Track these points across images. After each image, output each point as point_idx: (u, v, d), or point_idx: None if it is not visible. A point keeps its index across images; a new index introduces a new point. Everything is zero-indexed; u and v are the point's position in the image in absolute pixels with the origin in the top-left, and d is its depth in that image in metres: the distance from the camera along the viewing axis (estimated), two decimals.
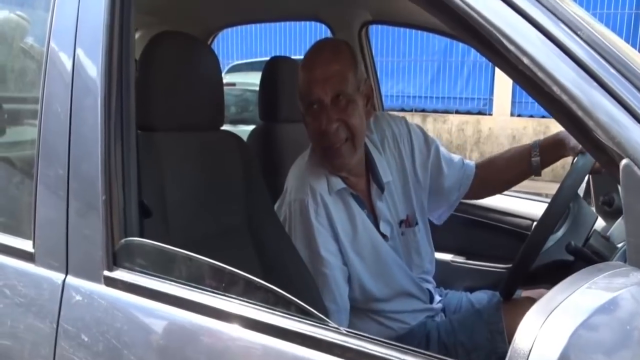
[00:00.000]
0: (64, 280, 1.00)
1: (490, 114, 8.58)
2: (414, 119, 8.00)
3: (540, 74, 0.66)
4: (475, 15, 0.68)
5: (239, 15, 2.35)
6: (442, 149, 1.68)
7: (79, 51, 0.99)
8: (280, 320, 0.81)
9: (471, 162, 1.71)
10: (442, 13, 0.72)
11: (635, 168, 0.62)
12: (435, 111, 8.76)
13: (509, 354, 0.56)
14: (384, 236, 1.51)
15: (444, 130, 8.57)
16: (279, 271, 1.38)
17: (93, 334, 0.96)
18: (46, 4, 1.04)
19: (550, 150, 1.55)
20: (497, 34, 0.67)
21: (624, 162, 0.63)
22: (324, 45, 1.49)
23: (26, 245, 1.04)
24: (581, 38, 0.68)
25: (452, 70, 8.72)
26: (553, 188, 1.60)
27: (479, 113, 8.66)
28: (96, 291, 0.97)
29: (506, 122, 8.41)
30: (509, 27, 0.68)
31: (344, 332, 0.78)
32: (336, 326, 0.79)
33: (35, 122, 1.03)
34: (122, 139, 0.97)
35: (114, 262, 0.97)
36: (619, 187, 1.61)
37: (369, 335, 0.76)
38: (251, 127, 2.10)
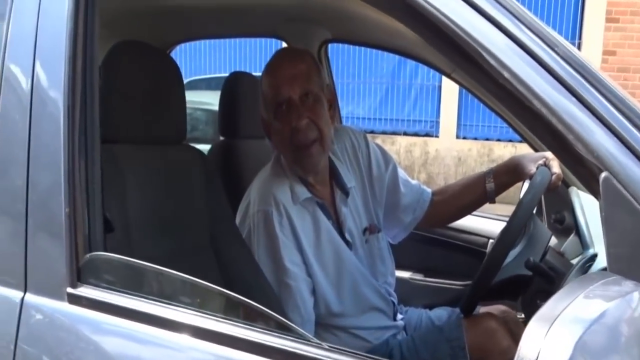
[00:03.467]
0: (22, 299, 0.94)
1: (437, 136, 8.78)
2: None
3: (520, 88, 0.67)
4: (458, 31, 0.70)
5: (197, 30, 2.33)
6: (400, 170, 1.70)
7: (39, 57, 0.95)
8: (260, 336, 0.79)
9: (427, 189, 1.73)
10: (424, 28, 0.73)
11: (614, 181, 0.64)
12: (384, 133, 8.89)
13: None
14: (348, 243, 1.51)
15: (393, 152, 8.69)
16: (243, 290, 1.35)
17: (55, 355, 0.91)
18: (2, 10, 0.99)
19: (503, 176, 1.59)
20: (479, 49, 0.69)
21: (603, 175, 0.65)
22: (287, 49, 1.53)
23: None
24: (558, 54, 0.70)
25: (400, 93, 8.90)
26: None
27: (427, 135, 8.85)
28: (58, 309, 0.92)
29: (452, 144, 8.63)
30: (490, 43, 0.70)
31: (326, 347, 0.77)
32: (318, 342, 0.77)
33: None
34: (86, 150, 0.93)
35: (78, 278, 0.92)
36: (572, 208, 1.66)
37: (352, 351, 0.76)
38: (201, 146, 2.07)
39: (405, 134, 8.89)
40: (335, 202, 1.53)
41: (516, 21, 0.72)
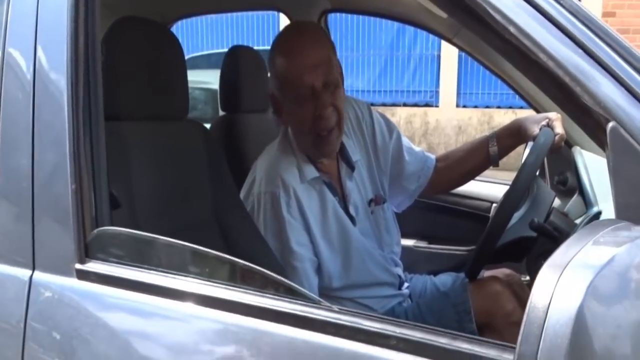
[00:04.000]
0: (31, 277, 0.94)
1: (437, 106, 8.75)
2: None
3: (526, 42, 0.67)
4: None
5: (197, 6, 2.30)
6: (404, 138, 1.69)
7: (40, 36, 0.94)
8: (270, 302, 0.79)
9: (431, 155, 1.72)
10: None
11: (622, 130, 0.64)
12: (383, 104, 8.86)
13: (527, 309, 0.57)
14: (352, 218, 1.51)
15: None
16: (247, 259, 1.36)
17: (65, 331, 0.91)
18: None
19: (506, 139, 1.58)
20: (483, 4, 0.68)
21: (610, 125, 0.65)
22: (304, 30, 1.46)
23: None
24: (564, 7, 0.69)
25: (399, 64, 8.85)
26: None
27: (426, 105, 8.82)
28: (67, 286, 0.92)
29: (452, 114, 8.60)
30: None
31: (337, 309, 0.77)
32: (328, 305, 0.78)
33: None
34: (90, 127, 0.93)
35: (86, 253, 0.92)
36: (575, 169, 1.65)
37: (362, 312, 0.76)
38: None
39: (405, 105, 8.86)
40: (340, 176, 1.53)
41: None
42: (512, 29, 0.67)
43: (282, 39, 1.44)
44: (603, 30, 0.68)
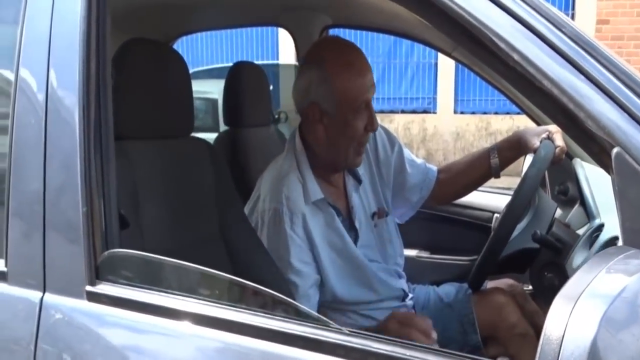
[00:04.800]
0: (42, 299, 0.95)
1: (434, 112, 8.78)
2: None
3: (530, 69, 0.68)
4: (466, 15, 0.70)
5: (199, 22, 2.32)
6: (406, 150, 1.70)
7: (53, 60, 0.95)
8: (280, 324, 0.80)
9: (433, 167, 1.74)
10: (431, 15, 0.73)
11: (626, 156, 0.65)
12: (381, 111, 8.89)
13: (541, 340, 0.58)
14: (356, 232, 1.53)
15: (391, 130, 8.68)
16: (254, 280, 1.36)
17: (76, 353, 0.92)
18: (16, 13, 0.99)
19: (507, 151, 1.59)
20: (487, 33, 0.70)
21: (615, 150, 0.66)
22: (356, 48, 1.48)
23: None
24: (565, 34, 0.71)
25: (396, 72, 8.89)
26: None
27: (424, 112, 8.85)
28: (78, 308, 0.93)
29: (450, 120, 8.63)
30: (498, 26, 0.71)
31: (347, 332, 0.78)
32: (338, 327, 0.79)
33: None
34: (100, 149, 0.94)
35: (97, 275, 0.93)
36: (576, 179, 1.66)
37: (373, 334, 0.77)
38: (200, 135, 2.08)
39: (403, 111, 8.89)
40: (346, 189, 1.54)
41: (522, 4, 0.72)
42: (515, 56, 0.68)
43: (340, 56, 1.43)
44: (604, 56, 0.70)
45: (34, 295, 0.96)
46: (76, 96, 0.94)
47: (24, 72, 0.98)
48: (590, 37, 0.72)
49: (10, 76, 0.99)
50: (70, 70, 0.94)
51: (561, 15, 0.74)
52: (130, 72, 1.20)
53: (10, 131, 0.97)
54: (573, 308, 0.57)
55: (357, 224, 1.53)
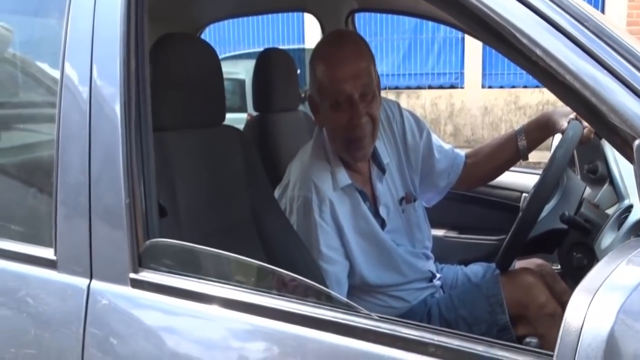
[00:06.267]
0: (89, 285, 1.01)
1: (462, 87, 8.66)
2: (388, 96, 8.07)
3: (553, 64, 0.69)
4: (488, 12, 0.72)
5: (226, 10, 2.35)
6: (434, 135, 1.72)
7: (95, 59, 1.00)
8: (313, 310, 0.84)
9: (461, 152, 1.75)
10: (455, 10, 0.75)
11: None
12: (408, 88, 8.82)
13: (560, 332, 0.60)
14: (382, 220, 1.55)
15: (418, 106, 8.64)
16: (284, 261, 1.41)
17: (121, 337, 0.98)
18: (60, 15, 1.04)
19: (534, 133, 1.59)
20: (510, 28, 0.71)
21: (637, 142, 0.68)
22: (346, 40, 1.48)
23: (47, 253, 1.05)
24: (588, 28, 0.72)
25: (423, 47, 8.77)
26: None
27: (451, 87, 8.74)
28: (122, 294, 0.99)
29: (478, 95, 8.51)
30: (520, 21, 0.72)
31: (376, 317, 0.81)
32: (367, 312, 0.82)
33: (48, 129, 1.04)
34: (141, 142, 0.99)
35: (139, 263, 0.99)
36: (604, 158, 1.64)
37: (402, 320, 0.80)
38: (230, 115, 2.13)
39: (430, 87, 8.79)
40: (371, 178, 1.56)
41: None
42: (538, 52, 0.70)
43: (325, 47, 1.48)
44: (626, 49, 0.71)
45: (82, 282, 1.02)
46: (118, 92, 0.99)
47: (68, 70, 1.03)
48: (612, 30, 0.73)
49: (56, 74, 1.04)
50: (111, 68, 0.99)
51: (585, 8, 0.75)
52: (165, 67, 1.25)
53: (57, 126, 1.02)
54: (592, 300, 0.59)
55: (382, 212, 1.56)
